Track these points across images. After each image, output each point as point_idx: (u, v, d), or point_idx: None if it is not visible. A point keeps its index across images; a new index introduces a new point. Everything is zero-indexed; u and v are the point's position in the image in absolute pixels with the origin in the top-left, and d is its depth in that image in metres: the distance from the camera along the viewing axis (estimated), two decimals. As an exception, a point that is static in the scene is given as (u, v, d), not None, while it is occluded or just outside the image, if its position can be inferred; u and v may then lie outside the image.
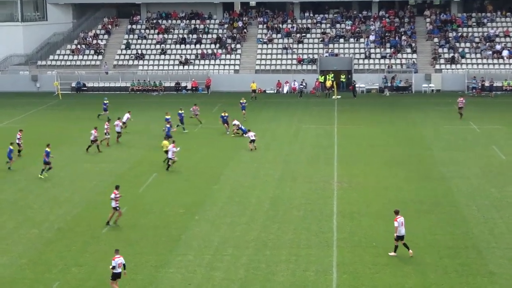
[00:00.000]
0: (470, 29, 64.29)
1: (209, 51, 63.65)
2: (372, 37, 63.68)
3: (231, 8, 69.65)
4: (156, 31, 66.53)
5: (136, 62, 63.46)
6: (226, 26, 66.82)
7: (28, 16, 66.92)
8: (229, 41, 64.85)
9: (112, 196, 25.55)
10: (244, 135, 39.99)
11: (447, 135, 41.65)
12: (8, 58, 64.56)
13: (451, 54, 61.05)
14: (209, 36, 65.70)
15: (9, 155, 33.95)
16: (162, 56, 63.75)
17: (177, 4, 68.26)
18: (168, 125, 39.75)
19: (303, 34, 65.00)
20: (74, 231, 25.38)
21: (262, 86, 59.53)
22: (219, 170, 33.60)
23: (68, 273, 21.71)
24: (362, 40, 63.70)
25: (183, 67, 62.47)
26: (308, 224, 25.72)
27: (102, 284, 20.91)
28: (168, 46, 64.81)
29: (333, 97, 56.44)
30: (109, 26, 68.10)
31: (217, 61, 62.74)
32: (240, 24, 66.83)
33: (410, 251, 22.64)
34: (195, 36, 65.66)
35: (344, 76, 60.47)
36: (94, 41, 65.90)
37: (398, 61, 61.16)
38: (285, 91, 60.00)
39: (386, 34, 64.25)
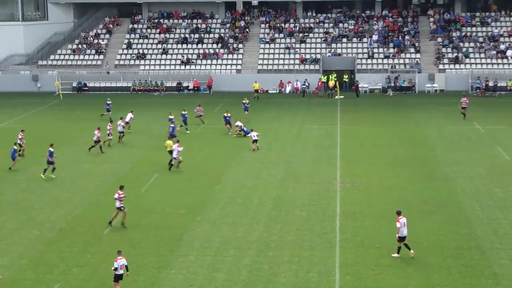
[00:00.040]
0: (474, 29, 64.11)
1: (211, 51, 63.53)
2: (375, 37, 63.52)
3: (233, 7, 69.52)
4: (158, 30, 66.41)
5: (137, 62, 63.35)
6: (228, 25, 66.70)
7: (29, 16, 66.85)
8: (231, 40, 64.72)
9: (116, 196, 25.45)
10: (246, 135, 39.85)
11: (451, 135, 41.55)
12: (9, 57, 64.50)
13: (455, 54, 60.85)
14: (211, 35, 65.58)
15: (13, 155, 33.84)
16: (164, 56, 63.63)
17: (179, 4, 68.15)
18: (172, 125, 39.60)
19: (305, 34, 64.84)
20: (75, 232, 25.31)
21: (264, 86, 59.38)
22: (221, 171, 33.52)
23: (69, 274, 21.64)
24: (365, 39, 63.54)
25: (185, 67, 62.36)
26: (310, 225, 25.64)
27: (103, 285, 20.85)
28: (169, 46, 64.70)
29: (336, 97, 56.31)
30: (110, 26, 68.01)
31: (219, 61, 62.63)
32: (242, 23, 66.70)
33: (411, 251, 22.56)
34: (197, 35, 65.55)
35: (347, 76, 60.31)
36: (95, 41, 65.82)
37: (401, 61, 61.00)
38: (287, 91, 59.86)
39: (390, 33, 64.08)
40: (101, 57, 64.25)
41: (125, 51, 64.40)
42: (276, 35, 64.91)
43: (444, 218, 26.25)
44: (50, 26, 67.30)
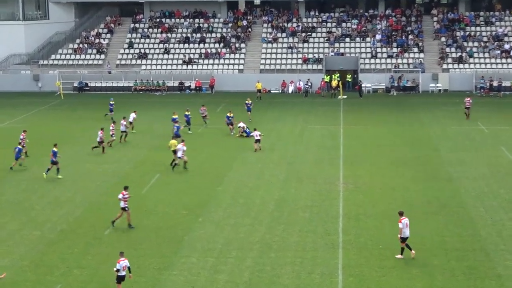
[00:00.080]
0: (478, 28, 63.91)
1: (213, 51, 63.39)
2: (378, 36, 63.33)
3: (235, 6, 69.39)
4: (160, 30, 66.28)
5: (139, 61, 63.22)
6: (230, 25, 66.55)
7: (30, 15, 66.75)
8: (233, 40, 64.57)
9: (120, 196, 25.33)
10: (248, 136, 39.71)
11: (455, 135, 41.41)
12: (10, 57, 64.36)
13: (459, 54, 60.66)
14: (213, 35, 65.44)
15: (17, 155, 33.75)
16: (166, 56, 63.50)
17: (181, 3, 68.02)
18: (177, 125, 39.45)
19: (308, 33, 64.67)
20: (76, 233, 25.21)
21: (267, 86, 59.23)
22: (223, 171, 33.40)
23: (70, 275, 21.54)
24: (368, 39, 63.36)
25: (187, 66, 62.22)
26: (313, 226, 25.52)
27: (104, 287, 20.77)
28: (171, 45, 64.56)
29: (339, 97, 56.15)
30: (112, 25, 67.88)
31: (221, 61, 62.49)
32: (244, 23, 66.54)
33: (413, 251, 22.48)
34: (199, 35, 65.41)
35: (350, 76, 60.15)
36: (97, 40, 65.70)
37: (405, 60, 60.83)
38: (290, 91, 59.71)
39: (393, 33, 63.89)
40: (103, 56, 64.13)
41: (127, 51, 64.27)
42: (279, 35, 64.75)
43: (447, 219, 26.12)
44: (51, 25, 67.19)
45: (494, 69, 58.98)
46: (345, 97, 56.14)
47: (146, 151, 38.12)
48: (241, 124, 41.17)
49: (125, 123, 40.50)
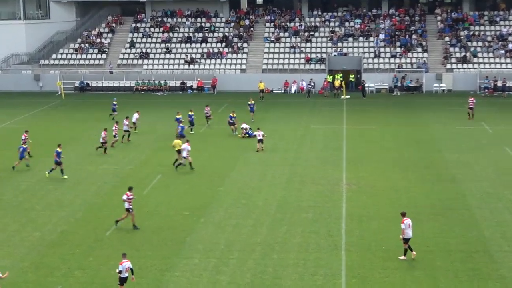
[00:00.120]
0: (482, 28, 63.73)
1: (215, 50, 63.25)
2: (381, 36, 63.16)
3: (237, 6, 69.29)
4: (161, 29, 66.18)
5: (140, 61, 63.11)
6: (232, 24, 66.42)
7: (31, 14, 66.66)
8: (235, 39, 64.43)
9: (125, 197, 25.18)
10: (251, 137, 39.57)
11: (459, 136, 41.24)
12: (10, 57, 64.28)
13: (463, 53, 60.44)
14: (215, 34, 65.30)
15: (21, 155, 33.63)
16: (167, 55, 63.39)
17: (183, 2, 67.93)
18: (181, 125, 39.29)
19: (311, 33, 64.52)
20: (77, 234, 25.08)
21: (269, 85, 59.09)
22: (225, 172, 33.27)
23: (71, 276, 21.43)
24: (371, 39, 63.20)
25: (189, 66, 62.09)
26: (316, 227, 25.39)
27: (105, 288, 20.63)
28: (173, 45, 64.44)
29: (342, 97, 56.00)
30: (113, 25, 67.76)
31: (223, 60, 62.35)
32: (246, 22, 66.39)
33: (413, 252, 22.37)
34: (201, 34, 65.29)
35: (353, 76, 60.03)
36: (98, 40, 65.59)
37: (408, 60, 60.67)
38: (292, 91, 59.57)
39: (396, 32, 63.70)
40: (104, 56, 64.03)
41: (128, 50, 64.16)
42: (281, 34, 64.58)
43: (451, 220, 25.99)
44: (52, 25, 67.07)
45: (498, 69, 58.84)
46: (348, 97, 55.98)
47: (147, 152, 38.00)
48: (244, 126, 40.98)
49: (127, 122, 40.38)
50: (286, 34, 64.68)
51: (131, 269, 19.97)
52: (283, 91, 59.72)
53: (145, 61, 63.12)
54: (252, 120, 44.98)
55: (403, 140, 40.25)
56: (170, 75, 61.07)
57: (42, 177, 32.42)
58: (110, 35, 66.70)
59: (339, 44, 62.90)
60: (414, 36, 62.95)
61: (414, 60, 60.54)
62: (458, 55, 60.65)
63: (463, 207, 27.61)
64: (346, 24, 65.43)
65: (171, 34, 65.68)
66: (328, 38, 63.82)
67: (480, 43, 61.67)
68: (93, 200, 29.27)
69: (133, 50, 64.10)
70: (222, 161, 35.55)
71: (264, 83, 57.06)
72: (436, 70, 59.55)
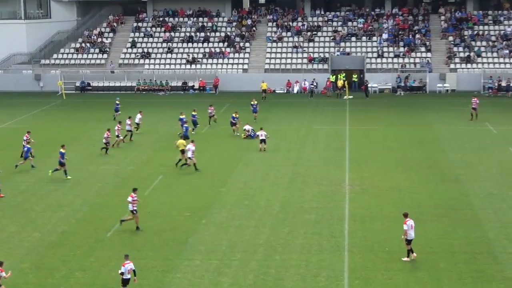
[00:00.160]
0: (486, 27, 63.53)
1: (217, 50, 63.09)
2: (385, 36, 62.95)
3: (239, 5, 69.15)
4: (163, 29, 66.04)
5: (142, 61, 62.98)
6: (234, 24, 66.26)
7: (31, 14, 66.56)
8: (237, 39, 64.27)
9: (130, 199, 25.02)
10: (254, 138, 39.41)
11: (462, 136, 41.10)
12: (11, 56, 64.16)
13: (467, 53, 60.24)
14: (217, 34, 65.14)
15: (26, 155, 33.55)
16: (169, 55, 63.26)
17: (184, 1, 67.81)
18: (186, 125, 39.13)
19: (314, 32, 64.34)
20: (78, 235, 24.97)
21: (271, 85, 58.91)
22: (227, 172, 33.16)
23: (71, 277, 21.32)
24: (374, 38, 63.00)
25: (190, 66, 61.94)
26: (319, 228, 25.28)
27: (106, 290, 20.54)
28: (175, 45, 64.30)
29: (345, 97, 55.82)
30: (115, 24, 67.62)
31: (225, 60, 62.19)
32: (249, 22, 66.24)
33: (414, 254, 22.25)
34: (202, 34, 65.14)
35: (356, 76, 59.87)
36: (99, 40, 65.45)
37: (412, 60, 60.51)
38: (295, 91, 59.43)
39: (400, 32, 63.50)
40: (105, 56, 63.89)
41: (130, 50, 64.03)
42: (284, 34, 64.40)
43: (455, 221, 25.86)
44: (53, 24, 66.90)
45: (502, 69, 58.67)
46: (351, 97, 55.81)
47: (149, 152, 37.89)
48: (247, 127, 40.73)
49: (129, 122, 40.24)
50: (289, 33, 64.50)
51: (134, 271, 19.89)
52: (285, 91, 59.55)
53: (147, 60, 62.99)
54: (255, 120, 44.80)
55: (407, 141, 40.11)
56: (171, 75, 60.91)
57: (41, 177, 32.35)
58: (111, 34, 66.57)
59: (342, 44, 62.70)
60: (417, 36, 62.74)
61: (417, 60, 60.35)
62: (462, 55, 60.44)
63: (466, 207, 27.48)
64: (349, 23, 65.23)
65: (172, 34, 65.54)
66: (331, 37, 63.63)
67: (484, 43, 61.44)
68: (94, 200, 29.15)
69: (135, 50, 63.96)
70: (224, 161, 35.42)
71: (267, 83, 56.86)
72: (439, 70, 59.36)
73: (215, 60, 62.31)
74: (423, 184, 30.82)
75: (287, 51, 62.63)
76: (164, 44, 64.41)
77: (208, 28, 65.99)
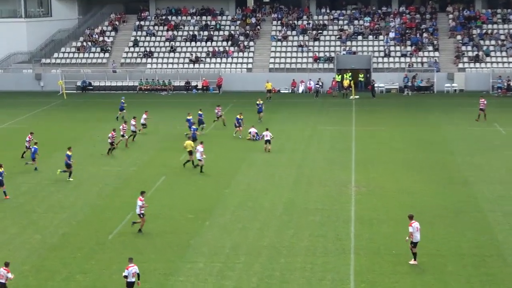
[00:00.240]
0: (495, 26, 63.18)
1: (221, 49, 62.83)
2: (392, 34, 62.61)
3: (243, 3, 69.00)
4: (166, 27, 65.79)
5: (144, 60, 62.76)
6: (238, 22, 65.99)
7: (32, 12, 66.41)
8: (241, 38, 64.00)
9: (140, 203, 24.74)
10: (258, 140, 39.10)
11: (471, 137, 40.88)
12: (11, 55, 64.01)
13: (475, 52, 59.85)
14: (221, 33, 64.89)
15: (32, 156, 33.49)
16: (172, 54, 63.02)
17: (187, 0, 67.37)
18: (194, 126, 38.87)
19: (319, 31, 64.03)
20: (79, 237, 24.82)
21: (276, 85, 58.61)
22: (230, 173, 32.99)
23: (72, 280, 21.16)
24: (381, 37, 62.68)
25: (194, 65, 61.71)
26: (324, 231, 25.08)
27: (107, 293, 20.42)
28: (177, 44, 64.06)
29: (351, 97, 55.56)
30: (116, 23, 67.37)
31: (229, 59, 61.94)
32: (253, 20, 65.95)
33: (415, 261, 22.08)
34: (206, 33, 64.89)
35: (362, 75, 59.64)
36: (101, 38, 65.22)
37: (419, 59, 60.21)
38: (300, 91, 59.17)
39: (407, 31, 63.15)
40: (107, 55, 63.66)
41: (132, 49, 63.79)
42: (289, 33, 64.09)
43: (464, 224, 25.66)
44: (54, 23, 66.66)
45: (511, 69, 58.03)
46: (357, 97, 55.54)
47: (151, 152, 37.76)
48: (252, 130, 40.28)
49: (134, 123, 40.04)
50: (294, 32, 64.16)
51: (138, 274, 19.78)
52: (290, 91, 59.27)
53: (149, 60, 62.75)
54: (259, 120, 44.52)
55: (414, 142, 39.88)
56: (174, 75, 60.66)
57: (43, 179, 32.23)
58: (113, 33, 66.32)
59: (348, 43, 62.35)
60: (425, 35, 62.33)
61: (425, 59, 59.99)
62: (470, 54, 60.02)
63: (475, 210, 27.29)
64: (355, 22, 64.88)
65: (175, 33, 65.29)
66: (337, 36, 63.27)
67: (493, 42, 61.03)
68: (95, 202, 29.00)
69: (137, 49, 63.72)
70: (228, 162, 35.25)
71: (271, 83, 56.52)
72: (447, 69, 59.01)
73: (218, 60, 62.02)
74: (431, 185, 30.61)
75: (292, 50, 62.30)
76: (167, 43, 64.17)
77: (211, 26, 65.71)
